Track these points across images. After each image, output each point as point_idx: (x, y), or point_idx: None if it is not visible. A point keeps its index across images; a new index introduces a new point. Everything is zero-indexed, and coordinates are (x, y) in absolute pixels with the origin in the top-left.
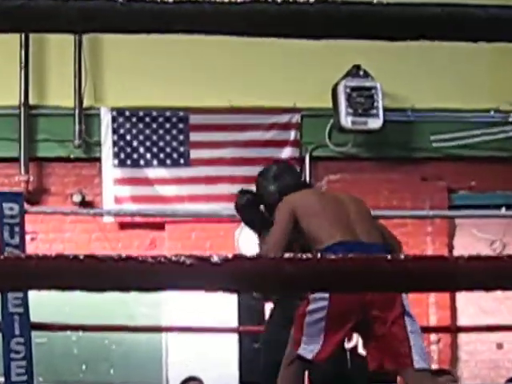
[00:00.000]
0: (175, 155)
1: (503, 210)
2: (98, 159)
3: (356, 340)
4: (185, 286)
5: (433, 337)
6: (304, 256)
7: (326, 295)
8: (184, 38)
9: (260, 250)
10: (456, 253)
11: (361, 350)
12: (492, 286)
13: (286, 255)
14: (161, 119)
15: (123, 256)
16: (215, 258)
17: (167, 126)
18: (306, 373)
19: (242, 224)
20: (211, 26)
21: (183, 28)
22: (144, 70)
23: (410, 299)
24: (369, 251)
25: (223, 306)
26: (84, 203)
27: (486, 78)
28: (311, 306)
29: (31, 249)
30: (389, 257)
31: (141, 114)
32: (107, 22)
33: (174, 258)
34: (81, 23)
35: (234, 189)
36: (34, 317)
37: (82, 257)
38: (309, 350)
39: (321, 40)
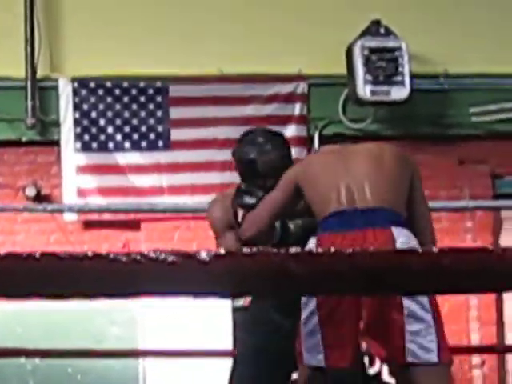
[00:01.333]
0: (152, 136)
1: None
2: (57, 142)
3: (380, 366)
4: (166, 289)
5: (475, 359)
6: (308, 252)
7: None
8: None
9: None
10: None
11: (385, 377)
12: None
13: (291, 251)
14: (134, 91)
15: (89, 254)
16: (203, 255)
17: (142, 99)
18: None
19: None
20: None
21: None
22: (112, 30)
23: (446, 314)
24: (365, 219)
25: (214, 323)
26: (39, 197)
27: None
28: (303, 314)
29: None
30: (419, 250)
31: (109, 84)
32: None
33: (152, 255)
34: None
35: (226, 177)
36: None
37: (37, 255)
38: (316, 358)
39: None
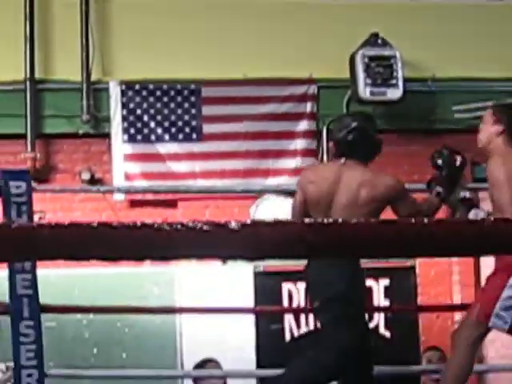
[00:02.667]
0: (187, 130)
1: None
2: (108, 135)
3: (377, 319)
4: (202, 253)
5: (457, 316)
6: (325, 221)
7: None
8: (195, 8)
9: None
10: None
11: (382, 330)
12: None
13: (307, 221)
14: (172, 92)
15: (138, 224)
16: (233, 224)
17: (179, 99)
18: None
19: (258, 200)
20: None
21: None
22: (154, 41)
23: (432, 278)
24: None
25: (239, 287)
26: (93, 181)
27: (511, 45)
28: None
29: None
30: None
31: (151, 87)
32: None
33: (190, 225)
34: None
35: (249, 164)
36: (43, 299)
37: (95, 224)
38: (503, 321)
39: None
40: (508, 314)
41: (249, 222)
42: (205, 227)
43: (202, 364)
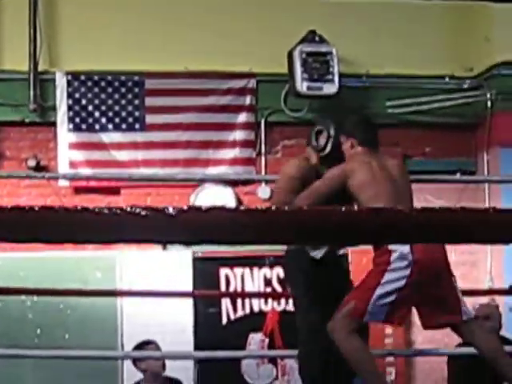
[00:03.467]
0: (130, 120)
1: (458, 176)
2: (53, 124)
3: None
4: (141, 237)
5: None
6: (258, 207)
7: (409, 259)
8: (140, 2)
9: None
10: None
11: None
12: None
13: (242, 207)
14: (116, 83)
15: (79, 207)
16: (170, 210)
17: (122, 90)
18: None
19: (197, 189)
20: None
21: None
22: (99, 33)
23: (363, 265)
24: None
25: (178, 271)
26: (39, 168)
27: (442, 44)
28: (388, 276)
29: None
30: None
31: (96, 78)
32: None
33: (129, 209)
34: None
35: (190, 154)
36: None
37: (37, 208)
38: (377, 317)
39: None
40: (381, 311)
41: (185, 207)
42: (143, 212)
43: (141, 345)
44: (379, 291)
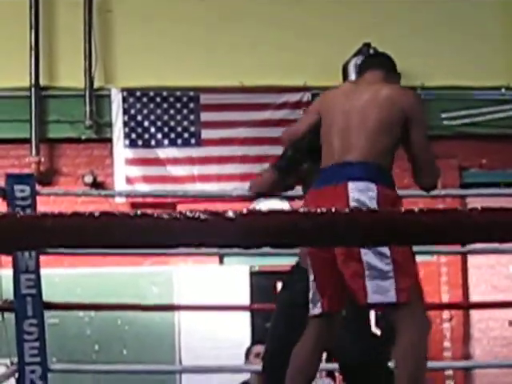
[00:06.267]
0: (186, 135)
1: None
2: (109, 140)
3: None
4: (200, 241)
5: (445, 315)
6: (319, 211)
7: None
8: (194, 18)
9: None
10: None
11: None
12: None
13: (302, 210)
14: (171, 99)
15: (138, 213)
16: (230, 213)
17: (178, 105)
18: None
19: (254, 202)
20: None
21: None
22: (154, 49)
23: (421, 279)
24: (337, 173)
25: (235, 286)
26: (95, 184)
27: (497, 55)
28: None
29: None
30: (402, 210)
31: (151, 94)
32: None
33: (188, 214)
34: None
35: (246, 168)
36: (47, 298)
37: (97, 214)
38: (316, 307)
39: None
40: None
41: (245, 211)
42: (202, 216)
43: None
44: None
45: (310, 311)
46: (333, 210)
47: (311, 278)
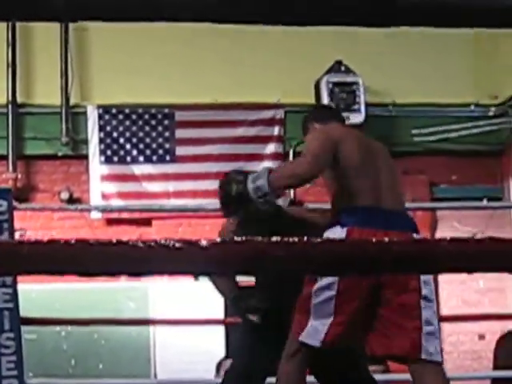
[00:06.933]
0: (161, 151)
1: (484, 202)
2: (85, 156)
3: None
4: (174, 269)
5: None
6: (291, 240)
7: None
8: (169, 36)
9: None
10: None
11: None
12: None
13: (274, 239)
14: (146, 116)
15: (113, 241)
16: (203, 242)
17: (153, 122)
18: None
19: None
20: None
21: (170, 16)
22: (129, 67)
23: None
24: (392, 219)
25: (209, 301)
26: (72, 200)
27: (467, 73)
28: (318, 285)
29: None
30: (373, 240)
31: (127, 111)
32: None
33: (163, 242)
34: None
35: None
36: (24, 313)
37: (73, 241)
38: (315, 336)
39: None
40: (321, 325)
41: (218, 240)
42: (177, 245)
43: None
44: (316, 299)
45: (301, 337)
46: (305, 239)
47: (327, 293)
